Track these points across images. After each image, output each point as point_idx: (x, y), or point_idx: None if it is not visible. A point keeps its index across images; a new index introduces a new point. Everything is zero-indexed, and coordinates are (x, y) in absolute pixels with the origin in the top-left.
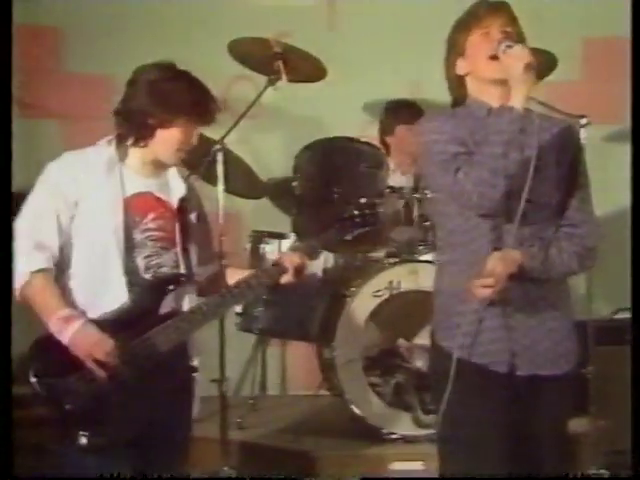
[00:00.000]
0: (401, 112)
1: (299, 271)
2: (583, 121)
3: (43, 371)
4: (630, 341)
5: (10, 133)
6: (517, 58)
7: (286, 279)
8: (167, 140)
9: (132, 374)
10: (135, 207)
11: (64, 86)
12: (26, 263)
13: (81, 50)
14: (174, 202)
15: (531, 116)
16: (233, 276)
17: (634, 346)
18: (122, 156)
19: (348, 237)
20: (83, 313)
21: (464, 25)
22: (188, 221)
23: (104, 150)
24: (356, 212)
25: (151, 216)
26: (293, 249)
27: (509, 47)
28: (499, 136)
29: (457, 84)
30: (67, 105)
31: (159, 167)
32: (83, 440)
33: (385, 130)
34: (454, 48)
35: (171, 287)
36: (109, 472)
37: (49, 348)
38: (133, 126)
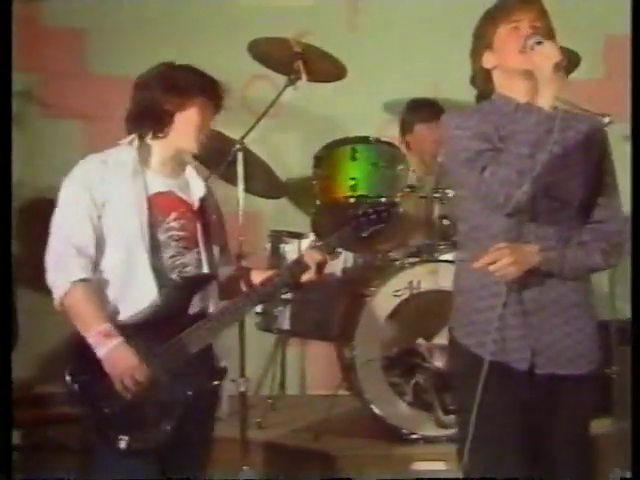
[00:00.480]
0: (420, 111)
1: (321, 268)
2: (606, 119)
3: (78, 371)
4: (632, 342)
5: (10, 133)
6: (546, 56)
7: (308, 276)
8: (186, 123)
9: (164, 376)
10: (158, 206)
11: (87, 87)
12: (66, 273)
13: (104, 52)
14: (195, 202)
15: (558, 115)
16: (256, 277)
17: (634, 346)
18: (144, 155)
19: (364, 234)
20: (113, 311)
21: (493, 17)
22: (209, 221)
23: (126, 150)
24: (371, 210)
25: (173, 215)
26: (311, 248)
27: (539, 43)
28: (526, 136)
29: (483, 77)
30: (90, 106)
31: (179, 165)
32: (122, 444)
33: (405, 128)
34: (481, 40)
35: (201, 287)
36: (138, 474)
37: (84, 347)
38: (150, 119)
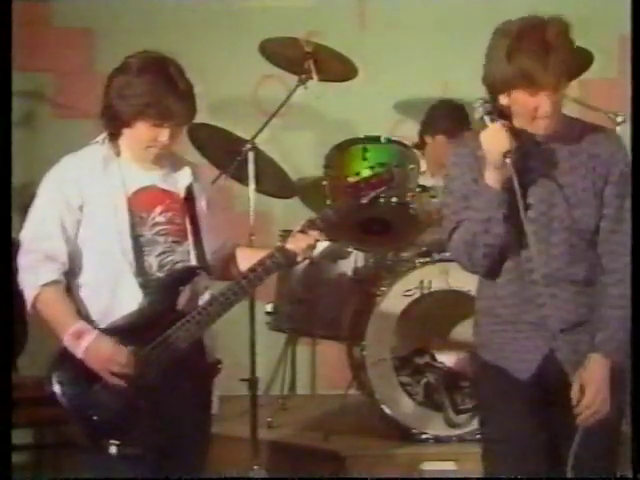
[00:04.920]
0: (447, 122)
1: (307, 253)
2: (619, 119)
3: (66, 379)
4: (632, 342)
5: (10, 134)
6: (495, 142)
7: (301, 258)
8: (132, 138)
9: (154, 376)
10: (140, 204)
11: (97, 87)
12: (35, 276)
13: (113, 52)
14: (181, 191)
15: (505, 197)
16: (243, 255)
17: (634, 346)
18: (115, 153)
19: (364, 200)
20: (99, 320)
21: (510, 67)
22: (198, 209)
23: (99, 149)
24: (370, 172)
25: (158, 210)
26: (309, 223)
27: (491, 120)
28: (479, 214)
29: (501, 107)
30: (100, 106)
31: (160, 156)
32: (113, 449)
33: (428, 129)
34: (497, 84)
35: (187, 281)
36: (135, 476)
37: (69, 354)
38: (107, 123)
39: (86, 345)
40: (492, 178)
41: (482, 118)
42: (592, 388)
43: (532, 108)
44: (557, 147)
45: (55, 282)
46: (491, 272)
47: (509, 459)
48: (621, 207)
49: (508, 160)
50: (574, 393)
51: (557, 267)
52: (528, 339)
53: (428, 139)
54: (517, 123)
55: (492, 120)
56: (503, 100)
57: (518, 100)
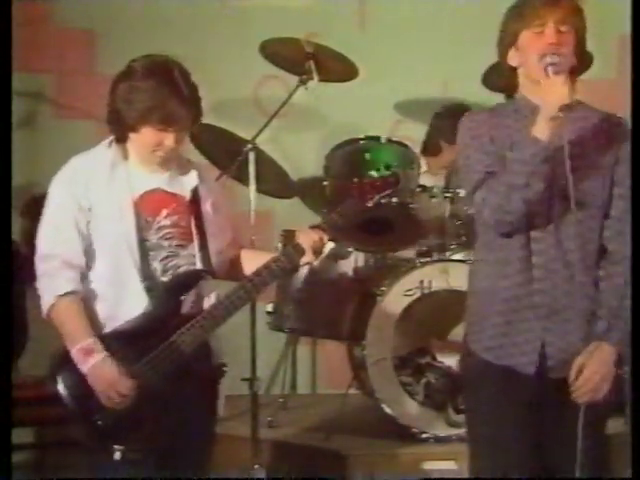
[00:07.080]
0: None
1: (317, 250)
2: None
3: (71, 383)
4: (632, 341)
5: (10, 134)
6: (555, 93)
7: (305, 260)
8: (139, 142)
9: (159, 381)
10: (146, 207)
11: (98, 88)
12: (52, 285)
13: (114, 53)
14: (186, 194)
15: (551, 146)
16: (248, 257)
17: (634, 346)
18: (123, 156)
19: (369, 203)
20: (105, 324)
21: (518, 15)
22: (203, 211)
23: (106, 152)
24: (376, 175)
25: (164, 213)
26: (312, 226)
27: (555, 73)
28: (522, 166)
29: (509, 73)
30: (101, 107)
31: (167, 159)
32: (117, 455)
33: (442, 136)
34: (506, 36)
35: (192, 285)
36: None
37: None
38: (113, 127)
39: (92, 364)
40: (541, 129)
41: (546, 69)
42: (592, 368)
43: (539, 45)
44: (568, 119)
45: (72, 292)
46: (512, 233)
47: (499, 460)
48: (629, 186)
49: (562, 114)
50: (572, 372)
51: (562, 239)
52: (522, 322)
53: (444, 145)
54: (525, 86)
55: (556, 72)
56: (512, 60)
57: (525, 43)
